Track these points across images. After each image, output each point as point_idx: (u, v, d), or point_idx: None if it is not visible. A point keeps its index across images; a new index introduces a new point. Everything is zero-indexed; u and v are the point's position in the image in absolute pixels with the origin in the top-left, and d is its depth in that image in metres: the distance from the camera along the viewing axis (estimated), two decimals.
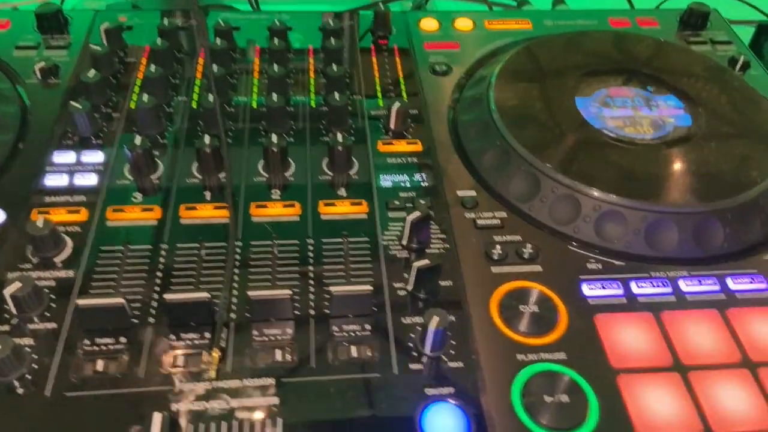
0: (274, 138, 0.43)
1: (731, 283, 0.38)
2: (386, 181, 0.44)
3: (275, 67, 0.49)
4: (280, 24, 0.54)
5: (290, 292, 0.35)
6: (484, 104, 0.47)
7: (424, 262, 0.36)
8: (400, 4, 0.78)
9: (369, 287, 0.35)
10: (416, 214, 0.39)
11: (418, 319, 0.36)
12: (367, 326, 0.36)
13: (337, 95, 0.47)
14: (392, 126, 0.47)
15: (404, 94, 0.51)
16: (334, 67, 0.49)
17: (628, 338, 0.35)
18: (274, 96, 0.46)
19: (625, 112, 0.47)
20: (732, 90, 0.50)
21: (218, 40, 0.52)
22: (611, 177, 0.41)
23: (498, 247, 0.40)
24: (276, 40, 0.52)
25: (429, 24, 0.59)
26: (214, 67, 0.49)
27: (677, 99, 0.48)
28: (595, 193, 0.40)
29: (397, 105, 0.47)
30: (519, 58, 0.52)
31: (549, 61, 0.52)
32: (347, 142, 0.44)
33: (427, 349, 0.34)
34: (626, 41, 0.55)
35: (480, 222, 0.41)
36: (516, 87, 0.49)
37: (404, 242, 0.40)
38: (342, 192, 0.43)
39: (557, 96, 0.48)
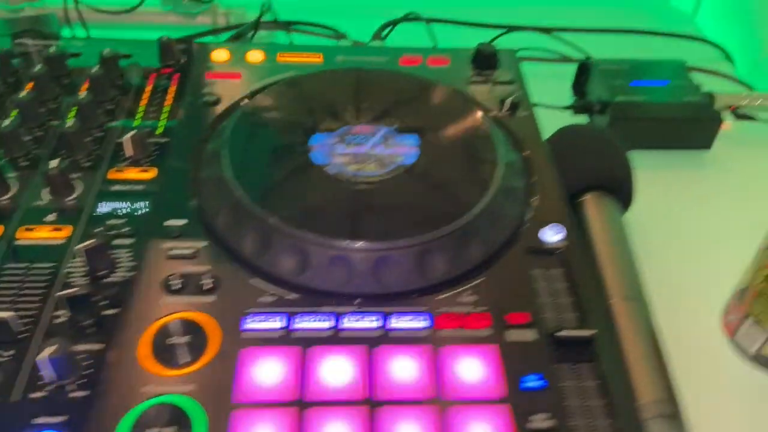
0: None
1: (393, 321, 0.39)
2: (105, 208, 0.45)
3: (25, 91, 0.50)
4: (56, 50, 0.55)
5: None
6: (221, 135, 0.48)
7: (71, 290, 0.36)
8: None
9: (5, 314, 0.35)
10: (88, 242, 0.39)
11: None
12: (7, 354, 0.36)
13: (70, 122, 0.48)
14: (128, 153, 0.48)
15: (162, 123, 0.52)
16: (83, 94, 0.50)
17: (263, 372, 0.35)
18: (6, 121, 0.47)
19: (359, 150, 0.48)
20: (466, 131, 0.50)
21: None
22: (301, 210, 0.42)
23: (179, 277, 0.40)
24: (44, 66, 0.54)
25: (220, 55, 0.60)
26: None
27: (417, 137, 0.49)
28: (280, 225, 0.41)
29: (130, 133, 0.48)
30: (274, 90, 0.53)
31: (301, 96, 0.53)
32: (62, 167, 0.44)
33: (48, 378, 0.34)
34: (385, 79, 0.56)
35: (173, 252, 0.42)
36: (259, 119, 0.50)
37: (86, 270, 0.40)
38: (52, 217, 0.44)
39: (293, 130, 0.49)
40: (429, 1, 0.86)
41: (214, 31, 0.75)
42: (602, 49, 0.77)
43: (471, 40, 0.63)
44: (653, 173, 0.63)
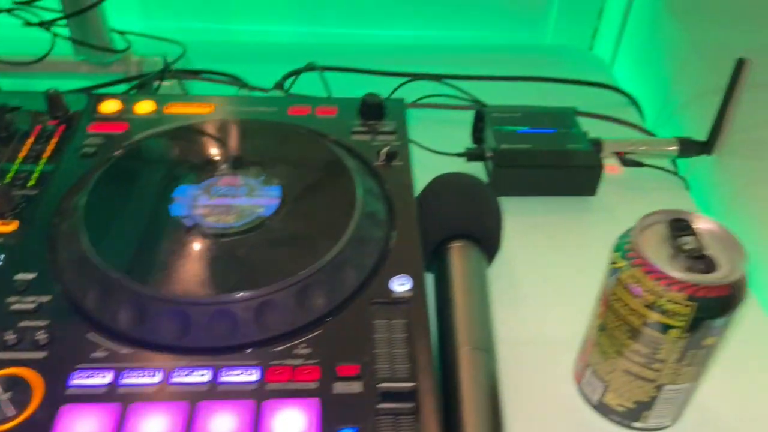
0: None
1: (224, 375, 0.39)
2: None
3: None
4: None
5: None
6: (84, 187, 0.49)
7: None
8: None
9: None
10: None
11: None
12: None
13: None
14: None
15: (35, 175, 0.53)
16: None
17: (81, 430, 0.36)
18: None
19: (222, 201, 0.49)
20: (329, 182, 0.51)
21: None
22: (142, 262, 0.43)
23: (14, 332, 0.40)
24: None
25: (109, 106, 0.61)
26: None
27: (281, 188, 0.50)
28: (115, 277, 0.41)
29: None
30: (146, 142, 0.54)
31: (172, 147, 0.54)
32: None
33: None
34: (257, 129, 0.57)
35: (15, 306, 0.42)
36: (127, 170, 0.51)
37: None
38: None
39: (159, 182, 0.50)
40: (351, 51, 0.88)
41: (125, 80, 0.76)
42: (519, 96, 0.79)
43: (383, 88, 0.64)
44: (536, 219, 0.64)
